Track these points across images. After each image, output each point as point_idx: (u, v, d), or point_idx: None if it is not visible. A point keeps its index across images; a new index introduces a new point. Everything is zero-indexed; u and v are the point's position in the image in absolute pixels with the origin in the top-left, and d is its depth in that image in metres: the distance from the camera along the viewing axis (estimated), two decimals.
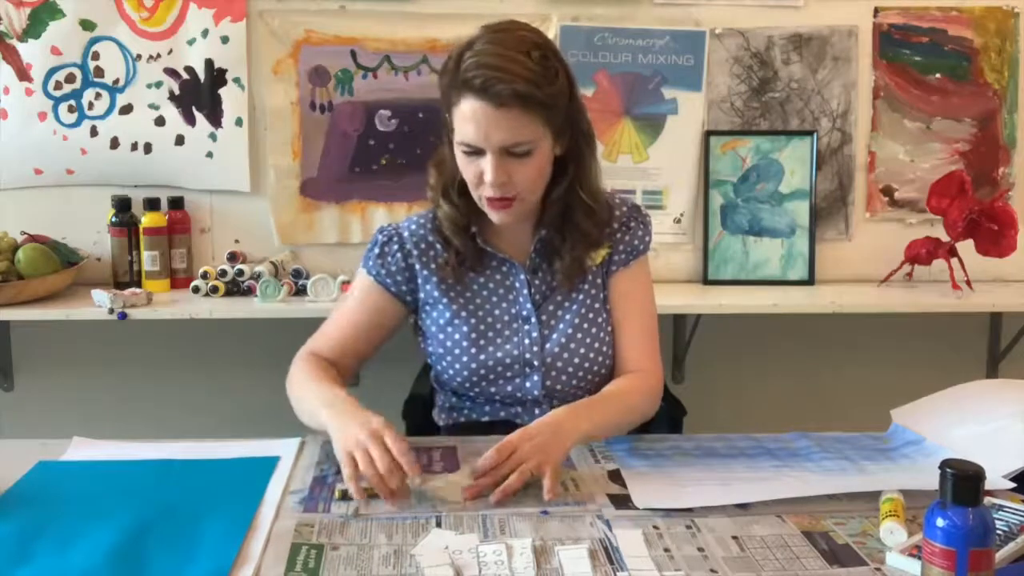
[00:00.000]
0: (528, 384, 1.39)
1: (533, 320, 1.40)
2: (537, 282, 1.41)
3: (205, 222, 2.23)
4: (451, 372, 1.42)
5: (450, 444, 1.33)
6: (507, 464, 1.15)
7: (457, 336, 1.40)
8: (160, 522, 1.06)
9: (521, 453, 1.15)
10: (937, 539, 0.87)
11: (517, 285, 1.41)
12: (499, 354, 1.39)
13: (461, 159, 1.30)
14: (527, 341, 1.39)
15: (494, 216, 1.33)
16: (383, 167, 2.22)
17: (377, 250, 1.43)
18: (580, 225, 1.37)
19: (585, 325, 1.40)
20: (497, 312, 1.41)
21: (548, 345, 1.39)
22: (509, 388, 1.40)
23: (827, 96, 2.28)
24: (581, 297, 1.41)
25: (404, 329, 1.98)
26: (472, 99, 1.24)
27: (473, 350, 1.39)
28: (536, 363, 1.39)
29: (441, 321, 1.41)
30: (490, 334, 1.40)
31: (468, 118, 1.25)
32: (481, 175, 1.28)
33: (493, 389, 1.41)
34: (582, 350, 1.39)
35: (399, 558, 0.99)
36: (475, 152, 1.27)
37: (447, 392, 1.47)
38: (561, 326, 1.40)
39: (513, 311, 1.41)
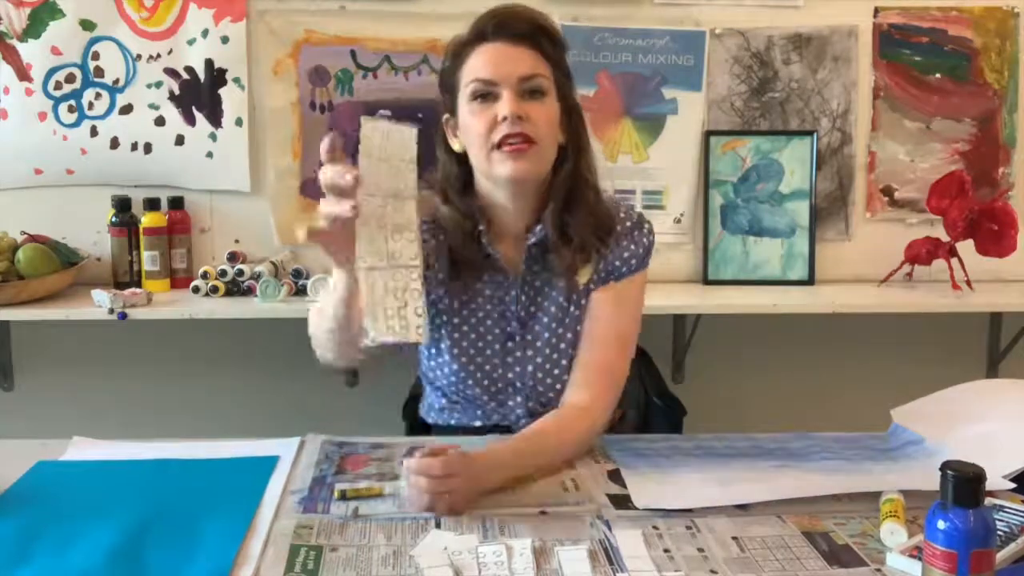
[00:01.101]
0: (511, 403, 1.37)
1: (517, 339, 1.36)
2: (524, 298, 1.35)
3: (205, 222, 2.24)
4: (439, 374, 1.40)
5: (450, 446, 1.32)
6: (444, 482, 1.08)
7: (447, 356, 1.37)
8: (160, 522, 1.06)
9: (453, 484, 1.09)
10: (938, 541, 0.87)
11: (507, 300, 1.35)
12: (479, 375, 1.37)
13: (472, 113, 1.26)
14: (510, 360, 1.36)
15: (508, 167, 1.24)
16: None
17: None
18: (588, 205, 1.32)
19: (562, 346, 1.35)
20: (482, 329, 1.36)
21: (530, 368, 1.36)
22: (493, 404, 1.38)
23: (827, 96, 2.28)
24: (567, 321, 1.35)
25: None
26: (486, 43, 1.27)
27: (455, 366, 1.37)
28: (519, 384, 1.37)
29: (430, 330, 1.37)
30: (478, 354, 1.37)
31: (482, 61, 1.26)
32: (495, 119, 1.24)
33: (478, 403, 1.39)
34: (564, 376, 1.35)
35: (398, 559, 0.99)
36: (488, 96, 1.25)
37: (436, 392, 1.44)
38: (548, 351, 1.35)
39: (498, 330, 1.36)
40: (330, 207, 0.98)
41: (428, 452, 1.11)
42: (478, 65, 1.26)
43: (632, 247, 1.35)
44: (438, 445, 1.15)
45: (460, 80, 1.29)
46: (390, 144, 1.00)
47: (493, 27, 1.27)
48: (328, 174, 0.98)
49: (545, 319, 1.35)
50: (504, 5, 1.31)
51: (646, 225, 1.38)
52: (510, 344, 1.36)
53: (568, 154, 1.32)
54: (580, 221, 1.31)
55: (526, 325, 1.36)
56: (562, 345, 1.35)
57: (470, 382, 1.37)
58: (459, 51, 1.30)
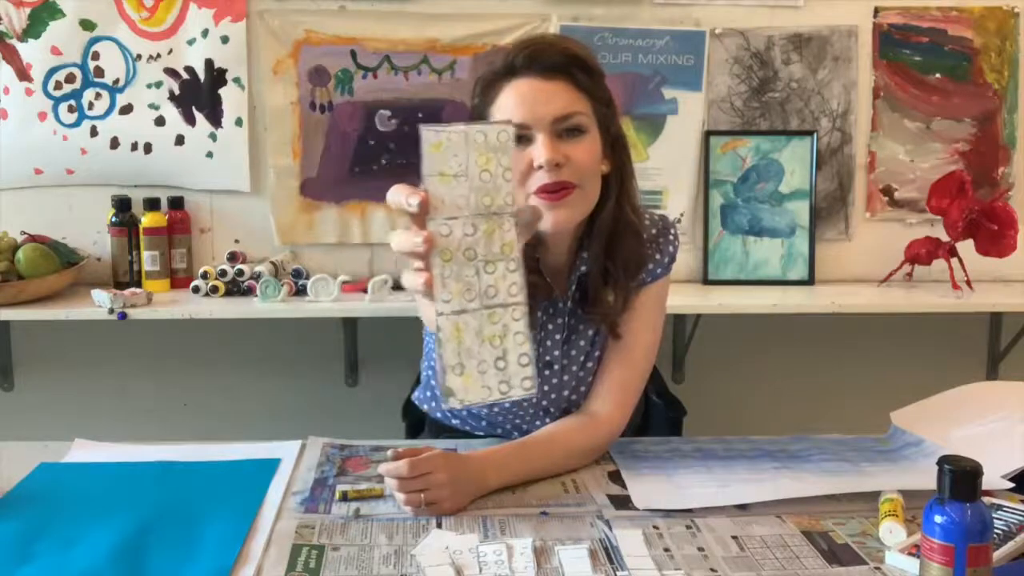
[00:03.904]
0: (538, 423, 1.33)
1: (556, 367, 1.31)
2: (560, 322, 1.30)
3: (205, 222, 2.24)
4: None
5: (450, 447, 1.33)
6: (416, 482, 1.08)
7: None
8: (161, 523, 1.06)
9: (432, 480, 1.08)
10: (935, 535, 0.87)
11: (551, 327, 1.29)
12: (512, 404, 1.32)
13: None
14: (546, 387, 1.32)
15: (548, 219, 1.16)
16: (383, 167, 2.22)
17: None
18: (626, 248, 1.25)
19: (589, 365, 1.32)
20: None
21: (566, 392, 1.32)
22: (516, 420, 1.36)
23: (827, 96, 2.28)
24: (599, 341, 1.31)
25: (401, 328, 1.99)
26: (517, 79, 1.18)
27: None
28: (552, 409, 1.34)
29: None
30: None
31: (514, 101, 1.17)
32: (531, 164, 1.15)
33: (500, 419, 1.37)
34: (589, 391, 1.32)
35: (399, 558, 0.99)
36: (521, 139, 1.15)
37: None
38: (582, 373, 1.32)
39: (538, 352, 1.29)
40: (399, 239, 0.78)
41: (396, 455, 1.10)
42: (509, 105, 1.17)
43: (657, 256, 1.32)
44: (413, 448, 1.15)
45: (490, 118, 1.21)
46: (473, 151, 0.79)
47: (523, 60, 1.17)
48: (392, 195, 0.78)
49: (582, 342, 1.31)
50: (534, 36, 1.24)
51: (671, 231, 1.34)
52: (547, 372, 1.31)
53: (611, 185, 1.25)
54: (620, 267, 1.26)
55: (562, 350, 1.31)
56: (591, 365, 1.32)
57: (496, 409, 1.34)
58: (488, 86, 1.21)
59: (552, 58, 1.18)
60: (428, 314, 0.92)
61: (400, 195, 0.77)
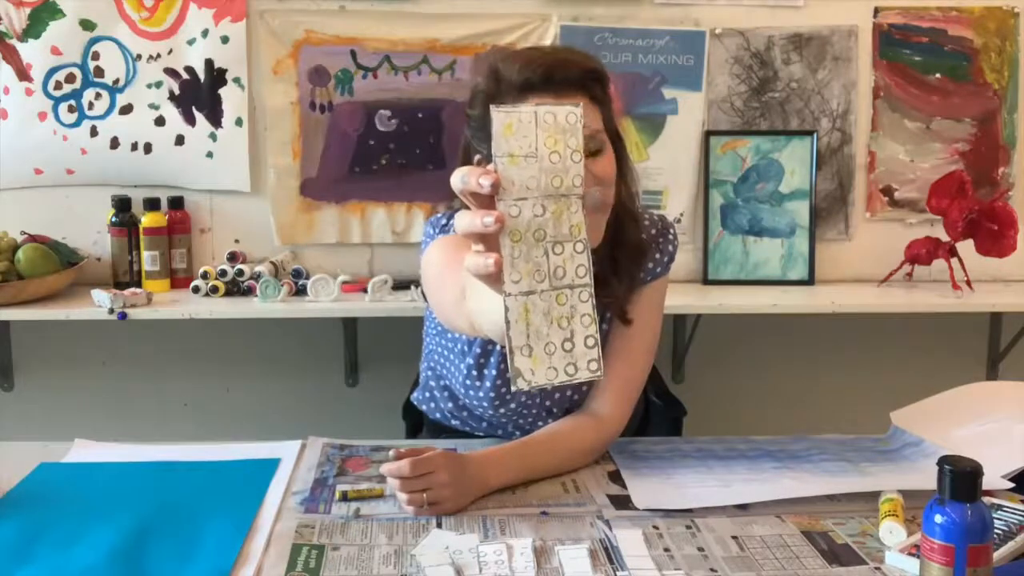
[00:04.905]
0: (540, 423, 1.34)
1: None
2: None
3: (205, 222, 2.24)
4: (471, 394, 1.34)
5: (450, 447, 1.33)
6: (418, 482, 1.09)
7: (488, 383, 1.31)
8: (161, 523, 1.06)
9: (434, 480, 1.09)
10: (935, 535, 0.87)
11: None
12: (514, 404, 1.32)
13: None
14: (550, 388, 1.31)
15: None
16: (383, 167, 2.22)
17: (446, 220, 1.31)
18: (633, 240, 1.26)
19: None
20: None
21: (569, 391, 1.32)
22: (520, 421, 1.36)
23: (827, 96, 2.28)
24: (602, 339, 1.30)
25: (401, 328, 1.99)
26: (533, 99, 1.13)
27: (492, 394, 1.31)
28: (555, 410, 1.34)
29: (470, 360, 1.31)
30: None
31: None
32: None
33: (504, 420, 1.37)
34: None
35: (399, 558, 0.99)
36: None
37: (444, 392, 1.41)
38: None
39: None
40: (466, 220, 0.74)
41: (398, 455, 1.10)
42: None
43: (657, 255, 1.32)
44: (414, 447, 1.15)
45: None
46: (542, 132, 0.77)
47: (540, 78, 1.12)
48: (459, 177, 0.74)
49: None
50: (549, 52, 1.20)
51: (671, 231, 1.35)
52: None
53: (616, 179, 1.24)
54: (627, 257, 1.27)
55: None
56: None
57: (503, 410, 1.34)
58: (496, 98, 1.15)
59: (571, 73, 1.14)
60: (475, 304, 0.88)
61: (471, 176, 0.72)
